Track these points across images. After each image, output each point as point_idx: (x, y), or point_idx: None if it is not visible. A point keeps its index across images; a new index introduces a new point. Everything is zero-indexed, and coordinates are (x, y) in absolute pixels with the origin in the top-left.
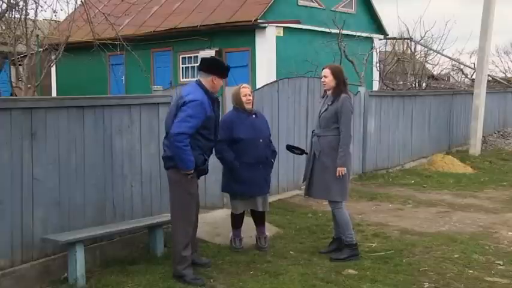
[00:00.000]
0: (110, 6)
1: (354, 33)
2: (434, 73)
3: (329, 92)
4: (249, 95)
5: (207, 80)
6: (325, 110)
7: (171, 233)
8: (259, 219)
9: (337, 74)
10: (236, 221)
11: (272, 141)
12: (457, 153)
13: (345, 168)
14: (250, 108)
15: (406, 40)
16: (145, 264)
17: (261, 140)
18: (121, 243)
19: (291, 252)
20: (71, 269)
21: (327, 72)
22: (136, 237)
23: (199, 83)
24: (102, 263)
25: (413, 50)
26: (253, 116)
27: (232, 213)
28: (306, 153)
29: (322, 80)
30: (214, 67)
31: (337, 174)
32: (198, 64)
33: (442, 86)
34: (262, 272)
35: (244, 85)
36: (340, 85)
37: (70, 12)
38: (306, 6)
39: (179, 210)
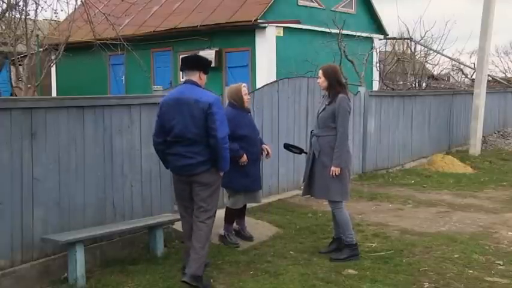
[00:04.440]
0: (110, 6)
1: (354, 33)
2: (434, 73)
3: (326, 92)
4: (248, 95)
5: (196, 77)
6: (323, 110)
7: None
8: (243, 212)
9: (328, 74)
10: (233, 216)
11: (272, 140)
12: (457, 153)
13: (340, 169)
14: (248, 107)
15: (406, 40)
16: (145, 264)
17: (258, 137)
18: (121, 243)
19: (291, 252)
20: (71, 269)
21: (319, 73)
22: (136, 237)
23: (193, 83)
24: (102, 263)
25: (413, 50)
26: (249, 114)
27: (229, 209)
28: (305, 153)
29: (317, 81)
30: (201, 63)
31: (331, 174)
32: (181, 64)
33: (442, 86)
34: (262, 272)
35: (244, 84)
36: (335, 85)
37: (70, 12)
38: (306, 6)
39: (215, 210)
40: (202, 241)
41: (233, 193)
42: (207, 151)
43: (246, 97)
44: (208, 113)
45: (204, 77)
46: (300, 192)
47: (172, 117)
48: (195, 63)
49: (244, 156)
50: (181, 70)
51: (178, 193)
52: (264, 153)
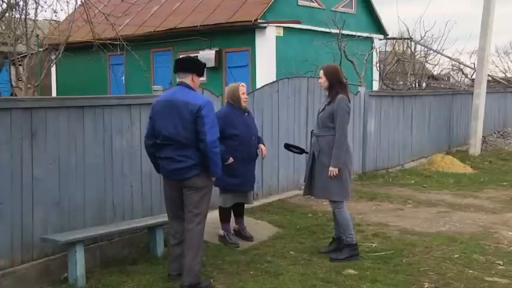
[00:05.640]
0: (110, 6)
1: (354, 33)
2: (434, 73)
3: (327, 92)
4: (246, 94)
5: (189, 80)
6: (323, 110)
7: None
8: (240, 211)
9: (329, 74)
10: (226, 215)
11: (272, 140)
12: (457, 153)
13: (338, 169)
14: (245, 106)
15: (406, 40)
16: (145, 264)
17: (253, 138)
18: (121, 243)
19: (291, 252)
20: (71, 269)
21: (320, 72)
22: (136, 237)
23: (187, 86)
24: (102, 263)
25: (413, 50)
26: (246, 114)
27: (220, 208)
28: (306, 153)
29: (319, 81)
30: (194, 66)
31: (329, 174)
32: (174, 66)
33: (442, 86)
34: (262, 272)
35: (242, 83)
36: (335, 85)
37: (70, 12)
38: (306, 6)
39: (205, 213)
40: (194, 249)
41: (222, 191)
42: (198, 155)
43: (243, 96)
44: (197, 116)
45: (197, 79)
46: (300, 192)
47: (162, 119)
48: (187, 66)
49: (230, 158)
50: (175, 72)
51: (167, 199)
52: (261, 152)
